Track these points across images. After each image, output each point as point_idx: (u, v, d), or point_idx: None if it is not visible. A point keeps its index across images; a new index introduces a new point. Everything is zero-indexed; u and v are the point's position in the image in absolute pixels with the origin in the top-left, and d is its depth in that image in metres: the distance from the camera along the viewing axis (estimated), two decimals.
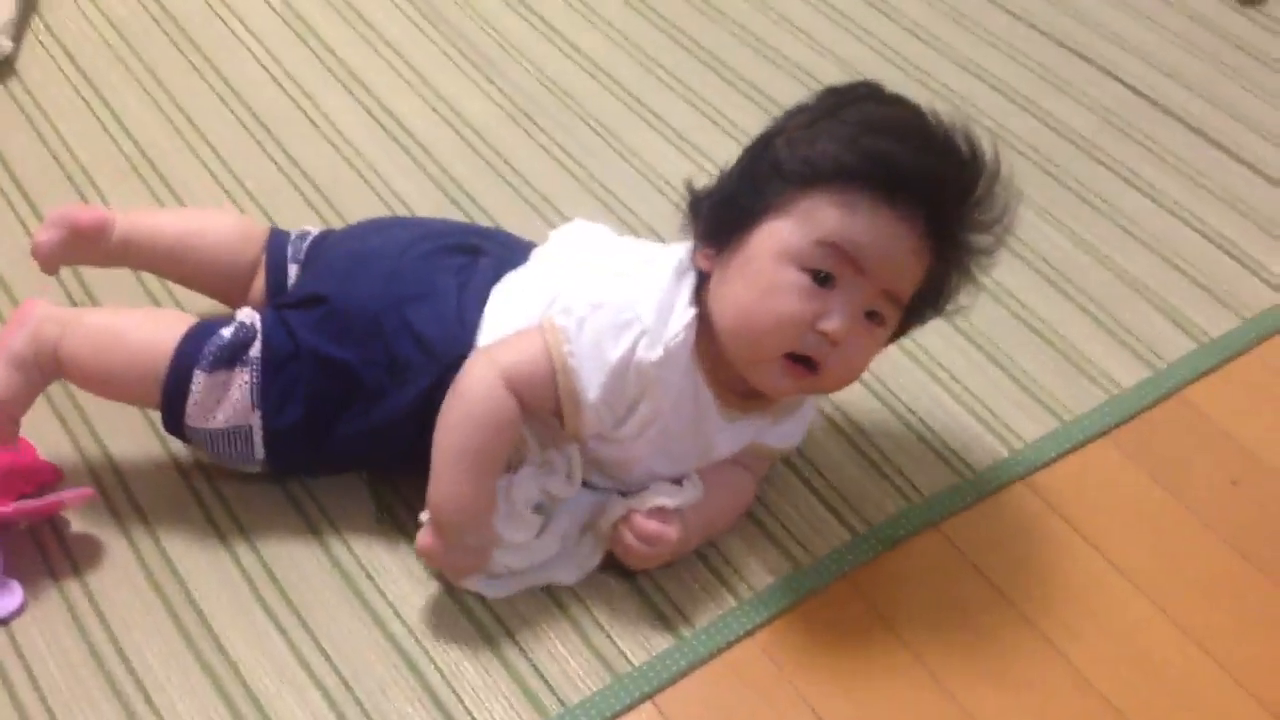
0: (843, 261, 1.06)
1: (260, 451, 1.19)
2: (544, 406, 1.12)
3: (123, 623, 1.15)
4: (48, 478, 1.23)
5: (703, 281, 1.13)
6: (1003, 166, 1.11)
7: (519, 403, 1.10)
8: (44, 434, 1.27)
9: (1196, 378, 1.42)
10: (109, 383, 1.21)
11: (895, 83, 1.64)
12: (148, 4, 1.78)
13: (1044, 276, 1.52)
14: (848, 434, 1.34)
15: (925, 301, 1.13)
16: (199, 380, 1.16)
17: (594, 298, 1.11)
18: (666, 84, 1.73)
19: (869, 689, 1.16)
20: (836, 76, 1.74)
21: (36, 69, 1.68)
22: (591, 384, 1.10)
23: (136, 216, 1.32)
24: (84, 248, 1.30)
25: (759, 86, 1.73)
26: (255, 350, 1.17)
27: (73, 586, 1.17)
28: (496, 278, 1.19)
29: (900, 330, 1.15)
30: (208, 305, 1.34)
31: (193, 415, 1.17)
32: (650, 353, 1.09)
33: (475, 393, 1.10)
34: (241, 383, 1.17)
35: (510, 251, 1.24)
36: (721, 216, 1.12)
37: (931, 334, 1.41)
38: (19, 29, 1.71)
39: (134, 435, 1.28)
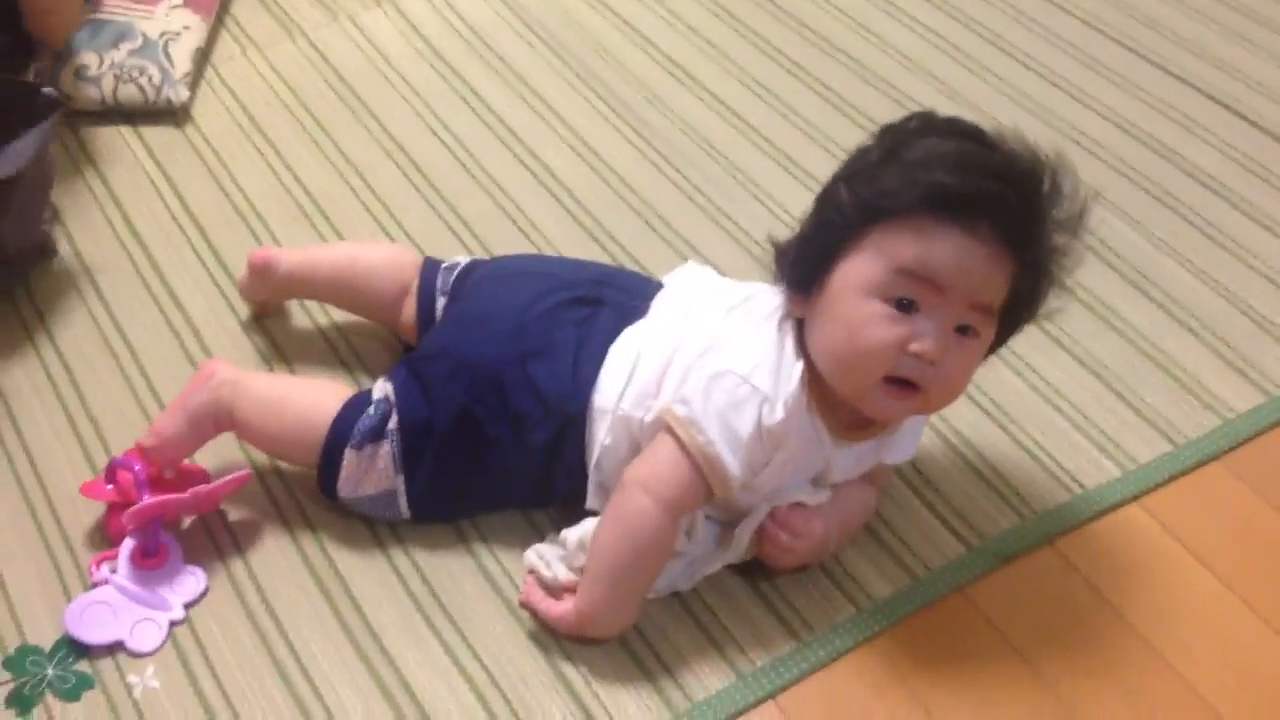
0: (921, 285, 1.10)
1: (406, 511, 1.29)
2: (701, 502, 1.20)
3: (289, 615, 1.25)
4: (198, 479, 1.34)
5: (801, 326, 1.19)
6: (1069, 169, 1.14)
7: (679, 502, 1.18)
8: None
9: None
10: (273, 446, 1.34)
11: (1025, 124, 1.72)
12: (314, 60, 1.92)
13: (1164, 309, 1.56)
14: (964, 454, 1.40)
15: (1017, 308, 1.16)
16: (349, 457, 1.27)
17: (707, 374, 1.17)
18: (797, 126, 1.81)
19: (983, 696, 1.22)
20: (966, 117, 1.80)
21: (211, 118, 1.82)
22: (734, 461, 1.16)
23: (298, 251, 1.48)
24: (262, 282, 1.47)
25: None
26: (393, 423, 1.27)
27: (243, 577, 1.29)
28: (616, 332, 1.27)
29: (1000, 339, 1.18)
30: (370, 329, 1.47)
31: (344, 487, 1.29)
32: (773, 417, 1.16)
33: (643, 528, 1.17)
34: (385, 454, 1.27)
35: (631, 298, 1.31)
36: (802, 264, 1.18)
37: (1050, 364, 1.48)
38: (195, 80, 1.86)
39: None
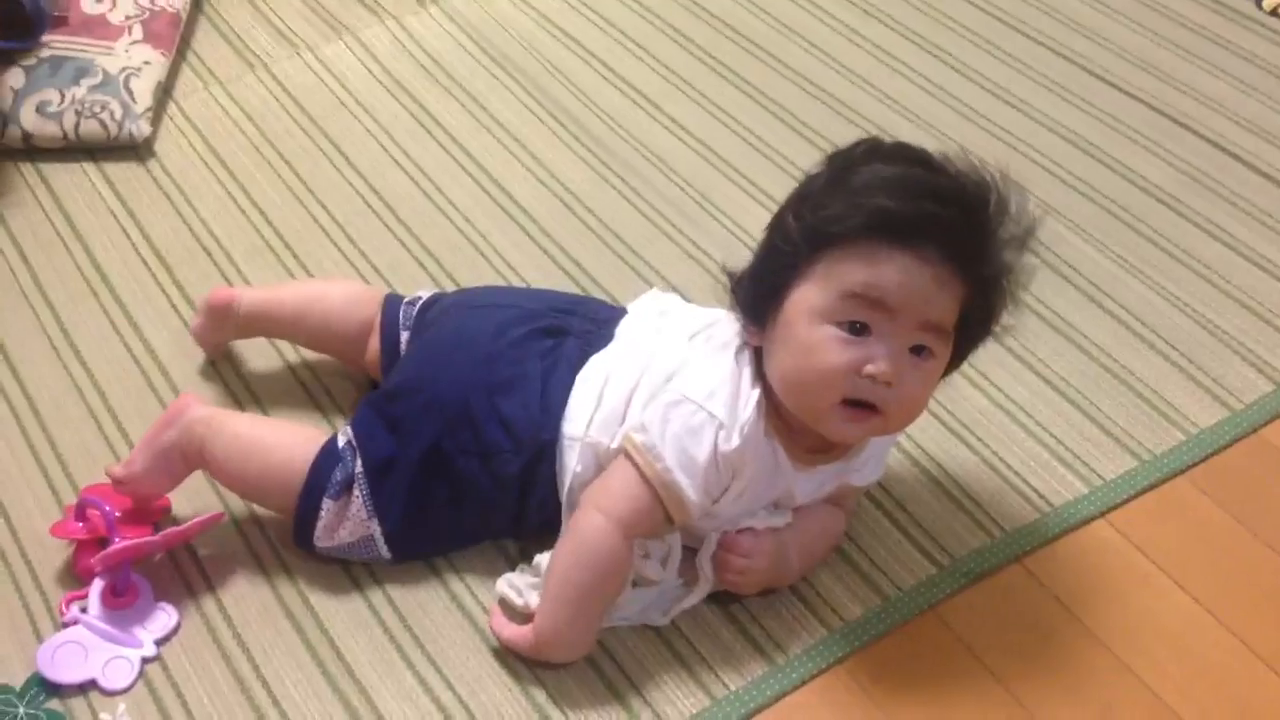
0: (871, 308, 1.11)
1: (386, 553, 1.29)
2: (659, 527, 1.21)
3: (262, 649, 1.25)
4: (163, 505, 1.35)
5: (760, 354, 1.19)
6: (1016, 187, 1.16)
7: (636, 525, 1.19)
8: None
9: (1275, 418, 1.47)
10: (245, 489, 1.34)
11: (982, 144, 1.74)
12: (276, 93, 1.92)
13: (1125, 325, 1.58)
14: (932, 474, 1.41)
15: (972, 325, 1.17)
16: (327, 506, 1.27)
17: (665, 401, 1.18)
18: (756, 148, 1.83)
19: (953, 713, 1.22)
20: (918, 137, 1.81)
21: (174, 152, 1.82)
22: (691, 486, 1.17)
23: (259, 291, 1.48)
24: (221, 324, 1.46)
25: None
26: (358, 466, 1.27)
27: (214, 612, 1.28)
28: (582, 360, 1.28)
29: (958, 357, 1.19)
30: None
31: (321, 536, 1.28)
32: (729, 444, 1.17)
33: (599, 549, 1.18)
34: (356, 498, 1.27)
35: (597, 325, 1.32)
36: (755, 294, 1.19)
37: (1014, 382, 1.50)
38: (156, 114, 1.86)
39: None
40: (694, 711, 1.21)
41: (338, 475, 1.27)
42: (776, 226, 1.19)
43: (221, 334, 1.49)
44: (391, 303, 1.42)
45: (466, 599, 1.29)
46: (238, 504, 1.37)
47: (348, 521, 1.27)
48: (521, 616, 1.24)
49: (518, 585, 1.25)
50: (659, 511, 1.18)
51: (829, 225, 1.12)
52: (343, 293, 1.46)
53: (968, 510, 1.38)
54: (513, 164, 1.81)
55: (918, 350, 1.13)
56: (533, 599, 1.23)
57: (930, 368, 1.15)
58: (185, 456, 1.30)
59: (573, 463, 1.24)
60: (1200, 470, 1.42)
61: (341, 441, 1.29)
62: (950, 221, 1.11)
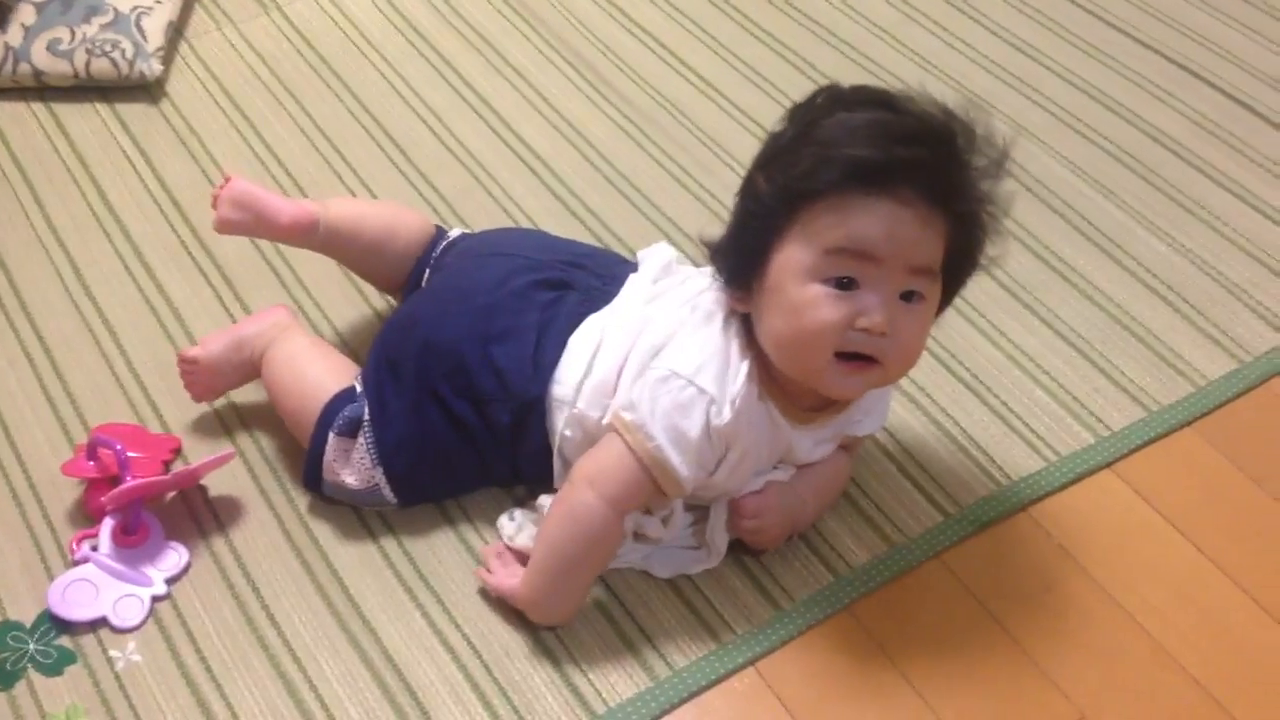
0: (856, 261, 1.09)
1: (392, 497, 1.30)
2: (652, 500, 1.21)
3: (271, 588, 1.27)
4: (173, 445, 1.37)
5: (748, 321, 1.18)
6: (982, 116, 1.14)
7: (625, 499, 1.19)
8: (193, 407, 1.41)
9: None
10: (283, 409, 1.35)
11: (995, 92, 1.73)
12: (289, 34, 1.91)
13: (1135, 276, 1.57)
14: (940, 423, 1.41)
15: (958, 261, 1.16)
16: (331, 441, 1.28)
17: (654, 377, 1.17)
18: (772, 98, 1.81)
19: (959, 659, 1.23)
20: (932, 86, 1.81)
21: (186, 92, 1.82)
22: (683, 463, 1.16)
23: (338, 215, 1.41)
24: (268, 233, 1.41)
25: None
26: (366, 413, 1.28)
27: (224, 552, 1.29)
28: (580, 317, 1.27)
29: (948, 295, 1.18)
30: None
31: (327, 472, 1.29)
32: (720, 418, 1.16)
33: (590, 525, 1.18)
34: (361, 443, 1.28)
35: (601, 282, 1.31)
36: (736, 260, 1.17)
37: (1024, 331, 1.50)
38: (168, 54, 1.86)
39: (272, 419, 1.39)
40: (701, 655, 1.22)
41: (347, 412, 1.28)
42: (748, 189, 1.17)
43: (260, 235, 1.43)
44: (435, 238, 1.42)
45: (476, 542, 1.30)
46: (249, 445, 1.38)
47: (352, 467, 1.28)
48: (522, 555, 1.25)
49: (517, 519, 1.27)
50: (651, 487, 1.18)
51: (801, 182, 1.10)
52: (416, 229, 1.43)
53: (975, 459, 1.38)
54: (528, 110, 1.80)
55: (908, 296, 1.12)
56: (522, 538, 1.25)
57: (922, 311, 1.13)
58: (253, 355, 1.34)
59: (561, 426, 1.25)
60: (1208, 421, 1.42)
61: (359, 386, 1.30)
62: (924, 162, 1.09)
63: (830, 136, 1.10)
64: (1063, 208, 1.65)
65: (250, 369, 1.36)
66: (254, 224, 1.39)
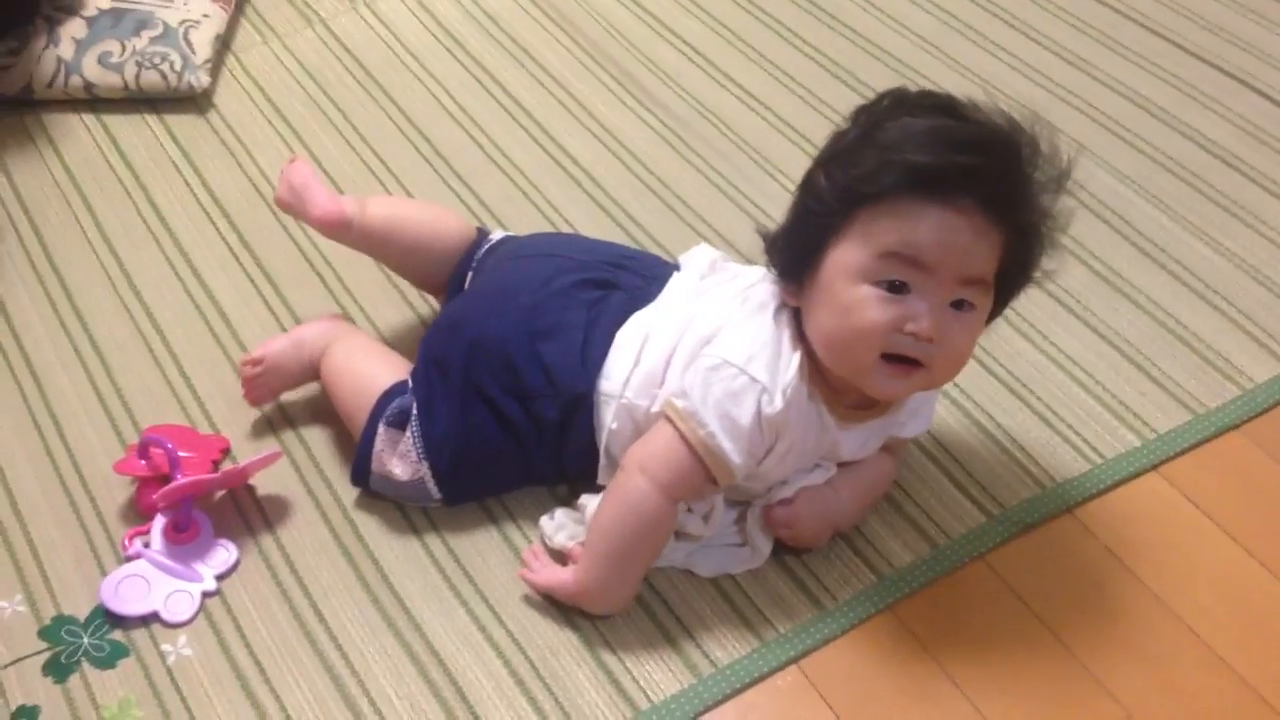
0: (909, 267, 1.09)
1: (437, 493, 1.31)
2: (704, 489, 1.21)
3: (318, 586, 1.27)
4: (222, 445, 1.38)
5: (799, 314, 1.19)
6: (1047, 129, 1.13)
7: (678, 487, 1.19)
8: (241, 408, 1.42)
9: None
10: (339, 404, 1.36)
11: (1039, 100, 1.74)
12: (333, 47, 1.93)
13: (1181, 280, 1.57)
14: (984, 425, 1.41)
15: (1012, 273, 1.15)
16: (380, 432, 1.30)
17: (706, 365, 1.17)
18: (812, 105, 1.82)
19: (1004, 660, 1.23)
20: (975, 95, 1.81)
21: (233, 104, 1.84)
22: (735, 450, 1.17)
23: (375, 215, 1.41)
24: (305, 219, 1.43)
25: None
26: (414, 407, 1.29)
27: (272, 550, 1.31)
28: (626, 315, 1.28)
29: (999, 304, 1.17)
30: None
31: (375, 461, 1.30)
32: (772, 407, 1.16)
33: (643, 511, 1.19)
34: (408, 436, 1.29)
35: (646, 282, 1.32)
36: (791, 254, 1.18)
37: (1068, 336, 1.50)
38: (215, 66, 1.88)
39: (323, 413, 1.41)
40: (744, 653, 1.22)
41: (397, 405, 1.29)
42: (808, 186, 1.17)
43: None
44: (477, 241, 1.43)
45: (519, 540, 1.31)
46: (295, 445, 1.39)
47: (400, 459, 1.29)
48: (559, 555, 1.26)
49: (559, 519, 1.28)
50: (702, 475, 1.19)
51: (861, 184, 1.10)
52: (455, 232, 1.44)
53: (1019, 461, 1.38)
54: (568, 119, 1.81)
55: (958, 304, 1.11)
56: (561, 538, 1.26)
57: (972, 319, 1.13)
58: (313, 355, 1.37)
59: (609, 420, 1.25)
60: (1255, 424, 1.42)
61: (411, 380, 1.31)
62: (984, 171, 1.08)
63: (892, 140, 1.10)
64: (1108, 214, 1.65)
65: (310, 369, 1.38)
66: (297, 207, 1.42)
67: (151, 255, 1.61)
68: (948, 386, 1.42)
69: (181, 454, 1.30)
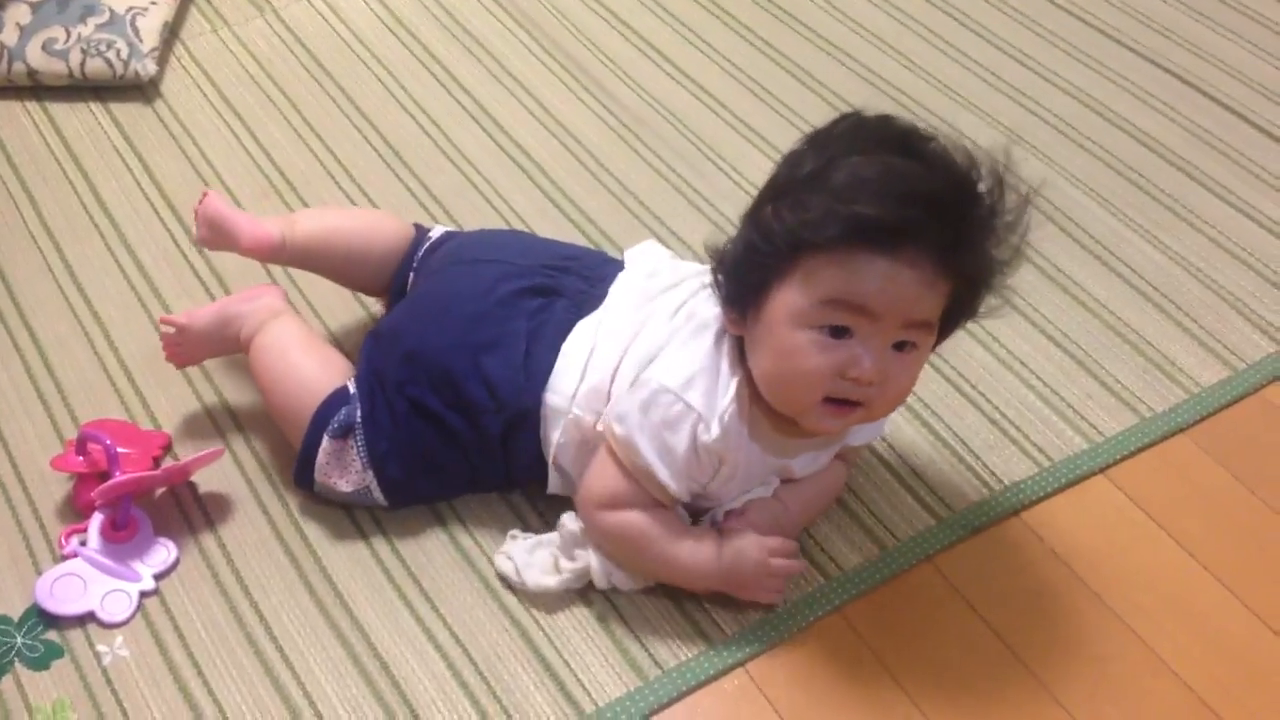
0: (852, 313, 1.07)
1: (381, 499, 1.29)
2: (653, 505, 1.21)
3: (260, 586, 1.26)
4: (163, 441, 1.36)
5: (742, 340, 1.17)
6: (1008, 170, 1.10)
7: (638, 504, 1.19)
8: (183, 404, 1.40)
9: (1276, 378, 1.47)
10: (268, 395, 1.33)
11: (992, 102, 1.72)
12: (284, 36, 1.91)
13: (1129, 283, 1.57)
14: (934, 427, 1.41)
15: (956, 315, 1.14)
16: (325, 444, 1.27)
17: (646, 390, 1.16)
18: (766, 103, 1.82)
19: (949, 663, 1.23)
20: (929, 96, 1.82)
21: (180, 93, 1.82)
22: (670, 476, 1.17)
23: (306, 233, 1.39)
24: (234, 250, 1.39)
25: (853, 105, 1.79)
26: (358, 417, 1.27)
27: (213, 549, 1.29)
28: (570, 324, 1.26)
29: (941, 338, 1.16)
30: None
31: (319, 471, 1.28)
32: (708, 434, 1.15)
33: (633, 535, 1.20)
34: (352, 447, 1.27)
35: (589, 284, 1.30)
36: (734, 287, 1.15)
37: (1017, 338, 1.50)
38: (163, 55, 1.85)
39: (263, 416, 1.39)
40: (691, 656, 1.21)
41: (341, 415, 1.27)
42: (755, 220, 1.13)
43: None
44: (415, 243, 1.41)
45: (466, 541, 1.30)
46: (239, 442, 1.37)
47: (346, 469, 1.27)
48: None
49: (517, 560, 1.25)
50: (645, 496, 1.19)
51: (806, 232, 1.07)
52: (391, 234, 1.41)
53: (967, 463, 1.38)
54: (520, 112, 1.80)
55: (900, 345, 1.10)
56: (531, 576, 1.24)
57: (914, 359, 1.12)
58: (240, 333, 1.33)
59: (556, 435, 1.24)
60: (1201, 428, 1.42)
61: (353, 387, 1.29)
62: (931, 227, 1.05)
63: (841, 184, 1.06)
64: (1058, 215, 1.65)
65: (233, 346, 1.35)
66: (222, 242, 1.39)
67: (94, 247, 1.58)
68: None
69: (120, 450, 1.28)
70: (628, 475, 1.18)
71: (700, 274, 1.25)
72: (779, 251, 1.10)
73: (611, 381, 1.22)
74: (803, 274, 1.09)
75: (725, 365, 1.17)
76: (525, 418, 1.25)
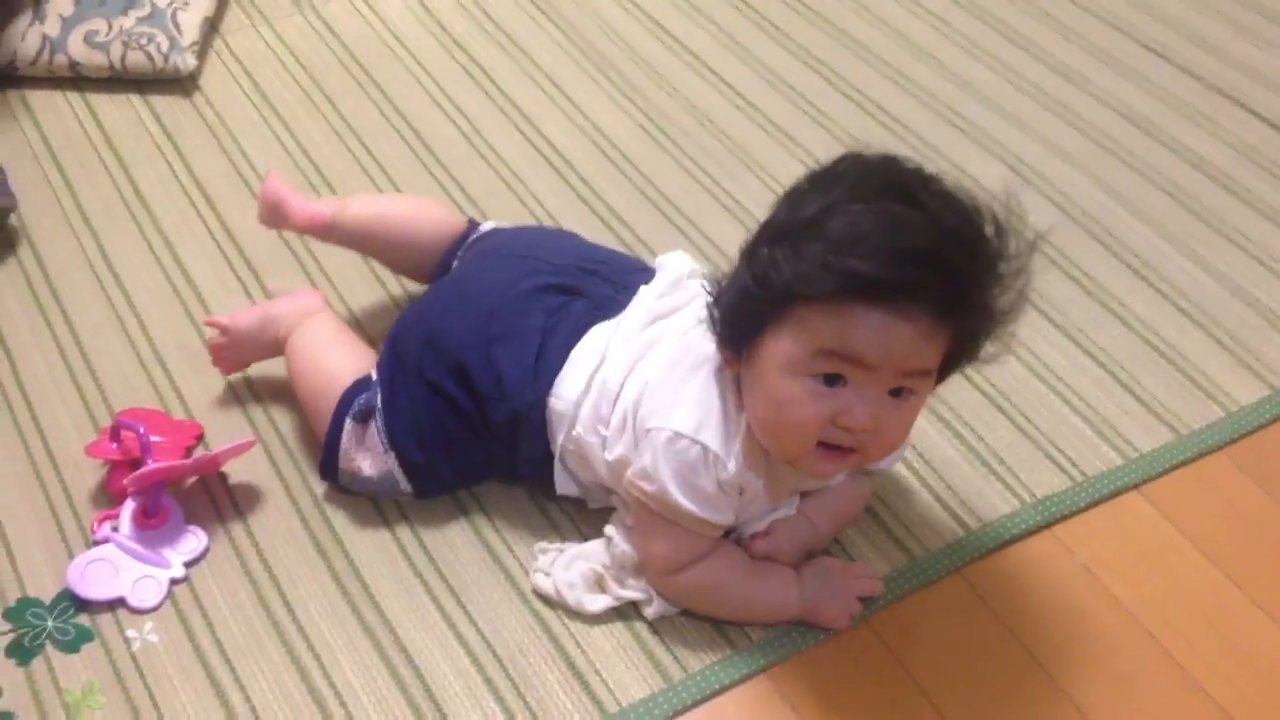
0: (847, 364, 1.06)
1: (406, 485, 1.29)
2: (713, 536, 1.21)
3: (288, 576, 1.26)
4: (195, 431, 1.37)
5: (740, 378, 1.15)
6: (1013, 214, 1.08)
7: (701, 555, 1.19)
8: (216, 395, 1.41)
9: None
10: (302, 393, 1.35)
11: (1032, 116, 1.71)
12: (322, 33, 1.92)
13: (1168, 299, 1.56)
14: (966, 439, 1.40)
15: (955, 361, 1.12)
16: (348, 426, 1.28)
17: (660, 439, 1.14)
18: (799, 107, 1.81)
19: (975, 675, 1.22)
20: (971, 108, 1.81)
21: (219, 87, 1.83)
22: (714, 512, 1.17)
23: (357, 214, 1.43)
24: (289, 228, 1.44)
25: (890, 113, 1.80)
26: (378, 400, 1.28)
27: (242, 538, 1.29)
28: (585, 327, 1.26)
29: (939, 381, 1.14)
30: None
31: (343, 457, 1.29)
32: (726, 472, 1.14)
33: (711, 585, 1.21)
34: (373, 430, 1.28)
35: (614, 289, 1.29)
36: (729, 326, 1.14)
37: (1054, 351, 1.49)
38: (202, 49, 1.87)
39: (298, 402, 1.38)
40: (715, 660, 1.21)
41: (363, 400, 1.28)
42: (752, 261, 1.11)
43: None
44: (466, 232, 1.43)
45: (491, 536, 1.30)
46: (270, 433, 1.38)
47: (367, 453, 1.28)
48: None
49: (556, 578, 1.25)
50: (699, 539, 1.19)
51: (801, 285, 1.05)
52: (436, 225, 1.45)
53: (1000, 476, 1.37)
54: (555, 112, 1.80)
55: (896, 392, 1.08)
56: (573, 596, 1.23)
57: (911, 405, 1.10)
58: (278, 335, 1.36)
59: (561, 438, 1.24)
60: (1239, 447, 1.41)
61: (375, 374, 1.30)
62: (932, 283, 1.03)
63: (840, 235, 1.03)
64: (1098, 230, 1.64)
65: (275, 348, 1.37)
66: (279, 220, 1.43)
67: (131, 237, 1.59)
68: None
69: (154, 439, 1.29)
70: (675, 528, 1.17)
71: (701, 303, 1.22)
72: (773, 299, 1.08)
73: (612, 409, 1.21)
74: (797, 323, 1.07)
75: (731, 401, 1.16)
76: (528, 415, 1.24)
